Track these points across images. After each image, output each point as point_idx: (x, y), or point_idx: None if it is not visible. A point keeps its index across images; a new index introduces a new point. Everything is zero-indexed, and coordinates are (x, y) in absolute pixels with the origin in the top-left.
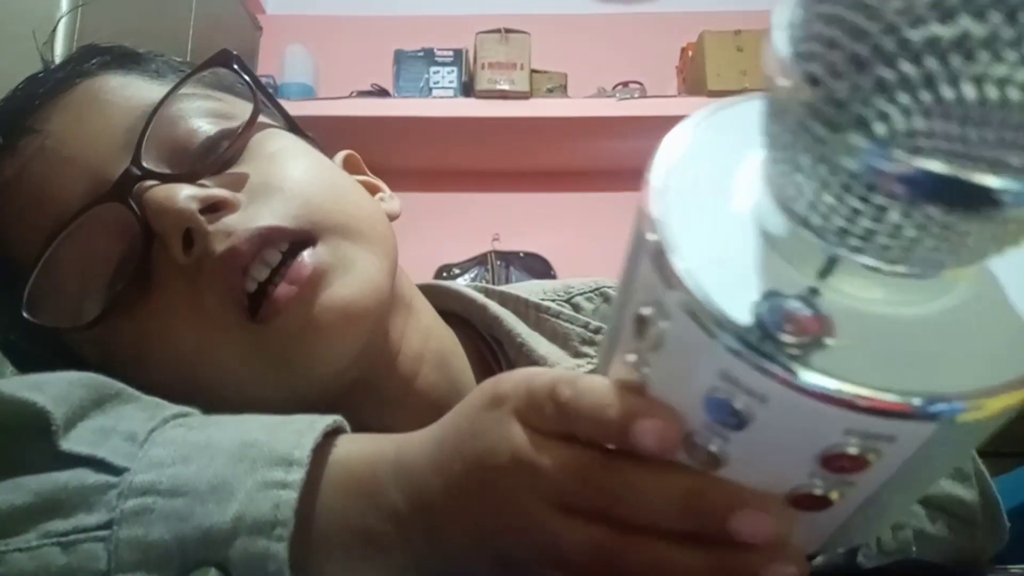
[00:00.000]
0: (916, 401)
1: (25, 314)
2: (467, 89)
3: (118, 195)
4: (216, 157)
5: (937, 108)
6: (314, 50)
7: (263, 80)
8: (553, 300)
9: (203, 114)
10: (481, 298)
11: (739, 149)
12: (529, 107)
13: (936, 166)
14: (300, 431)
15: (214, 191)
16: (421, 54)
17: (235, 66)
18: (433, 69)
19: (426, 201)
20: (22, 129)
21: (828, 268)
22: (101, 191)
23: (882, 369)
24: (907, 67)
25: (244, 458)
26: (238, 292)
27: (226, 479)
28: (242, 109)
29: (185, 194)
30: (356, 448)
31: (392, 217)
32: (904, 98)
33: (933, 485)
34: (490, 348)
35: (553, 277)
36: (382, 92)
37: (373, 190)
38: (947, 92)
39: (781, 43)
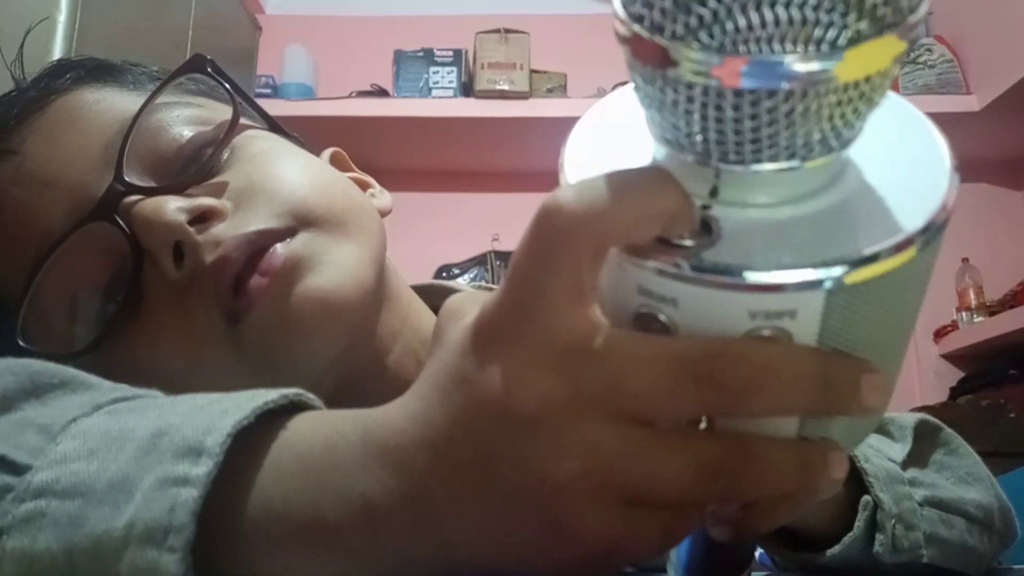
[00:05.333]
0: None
1: (21, 343)
2: (467, 89)
3: (103, 213)
4: (200, 166)
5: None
6: (314, 50)
7: (262, 80)
8: None
9: (183, 122)
10: None
11: (633, 119)
12: (529, 107)
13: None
14: (225, 411)
15: (201, 200)
16: (421, 54)
17: (209, 70)
18: (433, 69)
19: (426, 201)
20: None
21: (715, 182)
22: (85, 211)
23: (764, 254)
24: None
25: (153, 449)
26: (227, 302)
27: (128, 476)
28: (223, 113)
29: (172, 206)
30: (309, 427)
31: (383, 213)
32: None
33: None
34: None
35: None
36: (382, 92)
37: (363, 187)
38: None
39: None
